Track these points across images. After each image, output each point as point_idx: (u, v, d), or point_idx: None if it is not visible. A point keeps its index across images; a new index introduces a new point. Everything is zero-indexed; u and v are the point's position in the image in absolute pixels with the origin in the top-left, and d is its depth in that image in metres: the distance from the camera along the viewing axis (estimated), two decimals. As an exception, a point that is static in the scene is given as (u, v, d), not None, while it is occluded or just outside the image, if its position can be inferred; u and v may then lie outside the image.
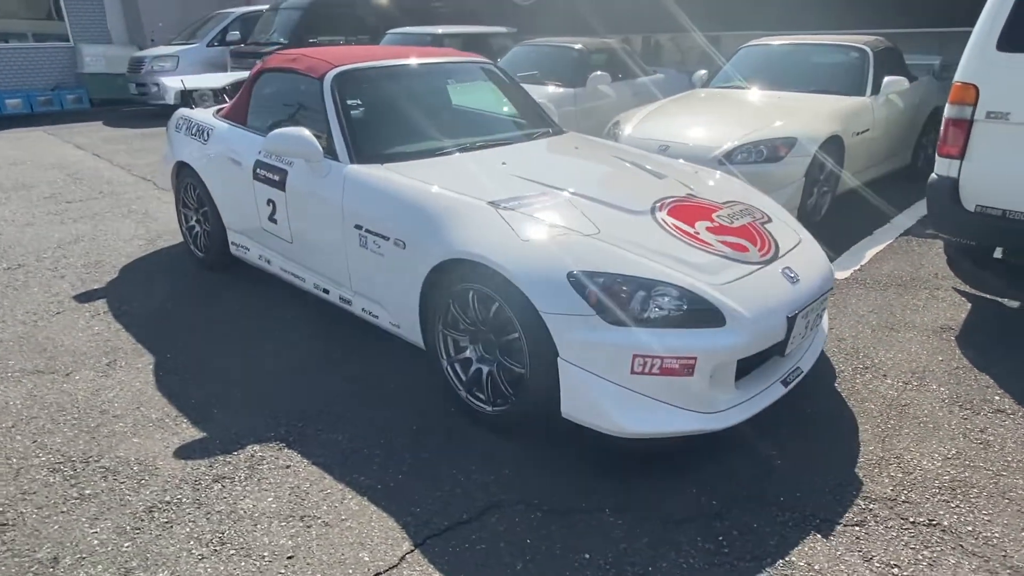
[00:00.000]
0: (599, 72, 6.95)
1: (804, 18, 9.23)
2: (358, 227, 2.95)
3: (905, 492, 2.29)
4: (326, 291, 3.35)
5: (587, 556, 2.02)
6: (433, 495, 2.27)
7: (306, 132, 3.12)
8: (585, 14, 11.50)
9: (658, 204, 2.82)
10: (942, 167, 3.49)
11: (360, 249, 2.98)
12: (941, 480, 2.35)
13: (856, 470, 2.40)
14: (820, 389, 2.92)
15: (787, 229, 2.92)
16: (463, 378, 2.69)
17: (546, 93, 6.56)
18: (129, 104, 12.07)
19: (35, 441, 2.57)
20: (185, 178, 4.21)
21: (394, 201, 2.82)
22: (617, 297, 2.25)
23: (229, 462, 2.44)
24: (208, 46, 11.42)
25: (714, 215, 2.84)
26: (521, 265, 2.33)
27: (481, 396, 2.62)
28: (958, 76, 3.37)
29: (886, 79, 5.54)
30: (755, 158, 4.66)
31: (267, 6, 11.98)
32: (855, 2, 8.90)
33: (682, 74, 9.00)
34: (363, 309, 3.15)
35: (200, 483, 2.32)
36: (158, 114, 11.36)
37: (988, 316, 3.60)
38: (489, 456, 2.46)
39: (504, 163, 3.15)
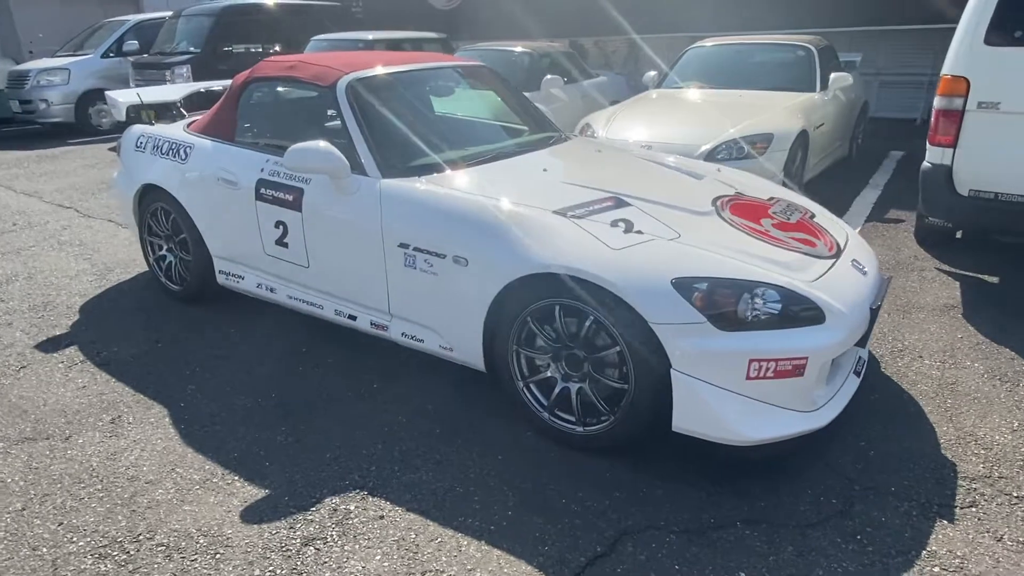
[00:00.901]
0: (551, 76, 6.92)
1: (726, 20, 9.66)
2: (403, 246, 2.72)
3: (996, 468, 2.38)
4: (352, 317, 3.07)
5: (742, 574, 1.93)
6: (555, 529, 2.10)
7: (330, 146, 2.84)
8: (507, 18, 11.50)
9: (718, 203, 2.79)
10: (935, 156, 3.71)
11: (406, 270, 2.75)
12: (1020, 452, 2.46)
13: (943, 452, 2.47)
14: (871, 375, 3.00)
15: (833, 223, 2.98)
16: (543, 399, 2.53)
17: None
18: (8, 123, 10.79)
19: (61, 523, 2.16)
20: (153, 203, 3.75)
21: (449, 216, 2.61)
22: (724, 301, 2.19)
23: (312, 520, 2.15)
24: (103, 57, 10.40)
25: (770, 212, 2.85)
26: (623, 276, 2.21)
27: (568, 417, 2.48)
28: (947, 70, 3.60)
29: (832, 75, 5.87)
30: (736, 155, 4.78)
31: (165, 13, 11.11)
32: (773, 4, 9.39)
33: (620, 76, 9.17)
34: (403, 334, 2.91)
35: (289, 549, 2.03)
36: (48, 133, 10.25)
37: (979, 292, 3.85)
38: (593, 480, 2.33)
39: (545, 170, 3.02)
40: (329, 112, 3.06)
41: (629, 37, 10.80)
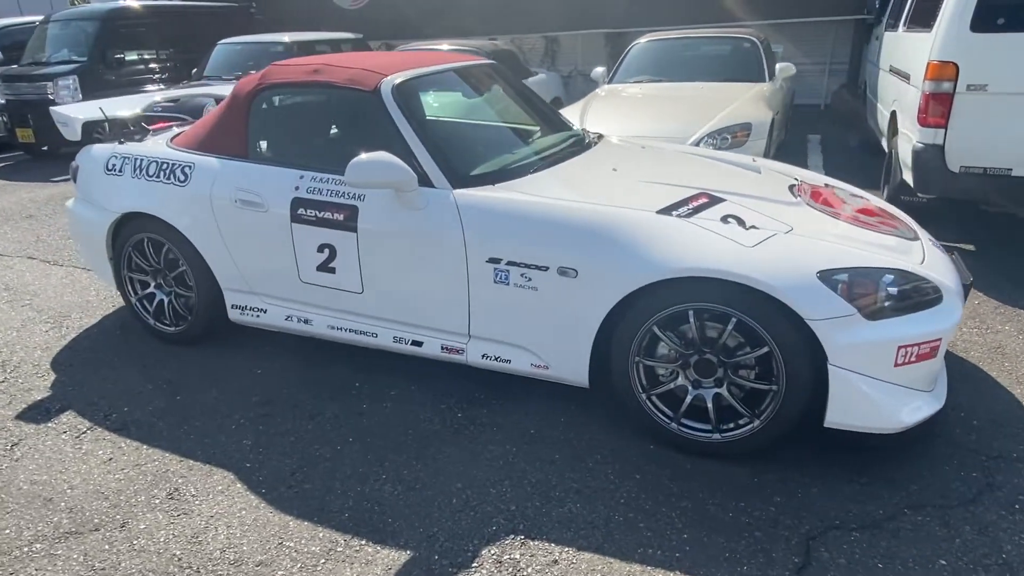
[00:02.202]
0: None
1: (641, 16, 9.92)
2: (494, 261, 2.49)
3: (1084, 422, 2.55)
4: (417, 343, 2.79)
5: (943, 562, 1.92)
6: (740, 547, 1.99)
7: (394, 157, 2.55)
8: (418, 18, 11.19)
9: (799, 193, 2.79)
10: (926, 136, 3.96)
11: (496, 287, 2.52)
12: (1094, 405, 2.66)
13: (1033, 412, 2.62)
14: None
15: (886, 205, 3.08)
16: (668, 410, 2.41)
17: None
18: None
19: (177, 632, 1.77)
20: (136, 234, 3.22)
21: (551, 226, 2.42)
22: (864, 291, 2.17)
23: (477, 573, 1.91)
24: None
25: (840, 197, 2.89)
26: (772, 274, 2.14)
27: (700, 425, 2.38)
28: (936, 56, 3.84)
29: (778, 65, 6.16)
30: (720, 145, 4.88)
31: (33, 19, 9.79)
32: (686, 1, 9.74)
33: (552, 73, 9.17)
34: (484, 356, 2.68)
35: (475, 615, 1.79)
36: None
37: (967, 260, 4.16)
38: (744, 488, 2.24)
39: (614, 169, 2.89)
40: (370, 118, 2.75)
41: (546, 35, 10.85)
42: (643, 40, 6.86)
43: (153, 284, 3.35)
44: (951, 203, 4.29)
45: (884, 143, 5.74)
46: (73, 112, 3.52)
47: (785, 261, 2.18)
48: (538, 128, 3.28)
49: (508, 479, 2.31)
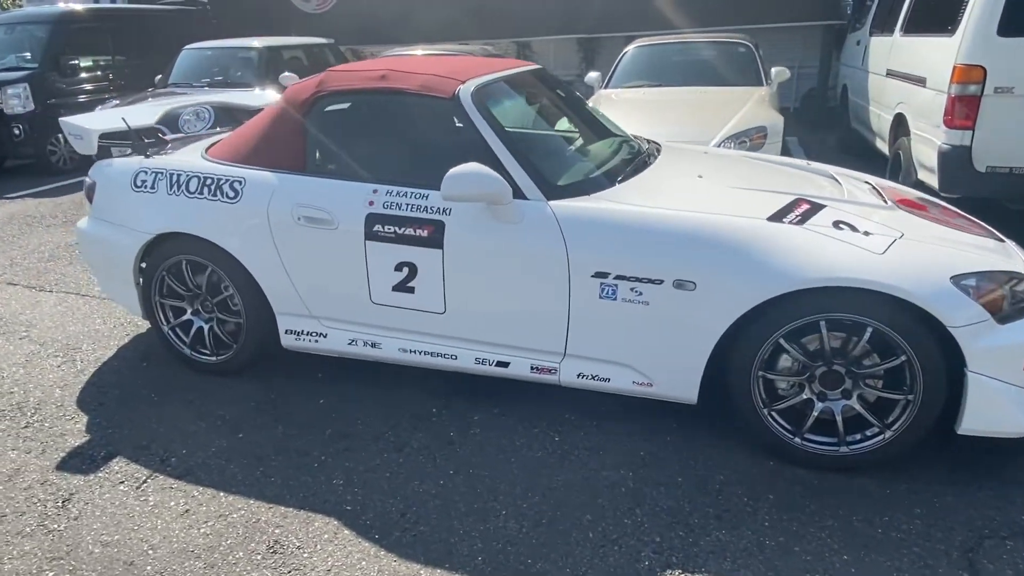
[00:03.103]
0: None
1: (615, 21, 9.95)
2: (600, 275, 2.36)
3: None
4: (503, 364, 2.63)
5: (1110, 568, 1.91)
6: (905, 565, 1.92)
7: (487, 168, 2.39)
8: (386, 23, 10.92)
9: (885, 197, 2.77)
10: (953, 138, 4.06)
11: (602, 302, 2.39)
12: None
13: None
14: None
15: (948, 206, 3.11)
16: (789, 424, 2.33)
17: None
18: None
19: None
20: (171, 257, 2.93)
21: (666, 237, 2.30)
22: (991, 295, 2.15)
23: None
24: None
25: (915, 200, 2.89)
26: (910, 281, 2.08)
27: (824, 439, 2.31)
28: (962, 59, 3.94)
29: (773, 69, 6.25)
30: (740, 148, 4.89)
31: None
32: (664, 5, 9.83)
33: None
34: (579, 375, 2.55)
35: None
36: None
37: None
38: (881, 501, 2.18)
39: (700, 176, 2.80)
40: (449, 127, 2.58)
41: (518, 40, 10.76)
42: (637, 44, 6.85)
43: (190, 310, 3.06)
44: (969, 201, 4.42)
45: (881, 145, 5.91)
46: (88, 123, 3.18)
47: (918, 267, 2.14)
48: (598, 134, 3.16)
49: (638, 507, 2.19)
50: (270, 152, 2.82)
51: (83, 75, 8.12)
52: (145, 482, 2.39)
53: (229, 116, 5.41)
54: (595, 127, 3.17)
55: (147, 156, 3.06)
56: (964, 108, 3.99)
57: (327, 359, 3.11)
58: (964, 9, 4.04)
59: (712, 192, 2.62)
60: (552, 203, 2.46)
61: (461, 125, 2.61)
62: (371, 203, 2.61)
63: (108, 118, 3.31)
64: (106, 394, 2.99)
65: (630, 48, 6.84)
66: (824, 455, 2.32)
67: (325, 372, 3.09)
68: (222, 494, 2.31)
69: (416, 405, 2.81)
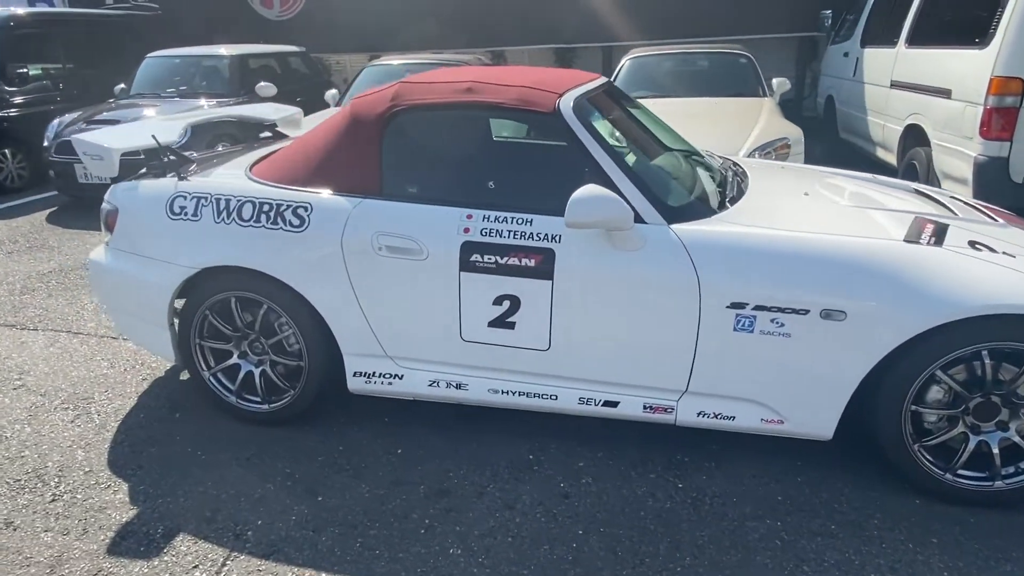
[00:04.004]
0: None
1: (591, 32, 9.87)
2: (737, 305, 2.16)
3: None
4: (611, 404, 2.39)
5: None
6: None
7: (608, 191, 2.15)
8: (355, 30, 10.52)
9: (987, 213, 2.68)
10: (991, 149, 4.07)
11: (736, 334, 2.19)
12: None
13: None
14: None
15: None
16: (938, 460, 2.18)
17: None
18: None
19: None
20: (218, 293, 2.56)
21: (805, 262, 2.11)
22: None
23: None
24: None
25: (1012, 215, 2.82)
26: (1084, 306, 1.97)
27: (974, 473, 2.16)
28: (1000, 71, 3.95)
29: (775, 80, 6.25)
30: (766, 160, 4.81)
31: None
32: (644, 15, 9.79)
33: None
34: (700, 413, 2.34)
35: None
36: None
37: None
38: (1047, 539, 2.05)
39: (806, 194, 2.64)
40: (546, 144, 2.33)
41: (492, 50, 10.53)
42: (634, 55, 6.74)
43: (237, 353, 2.69)
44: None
45: (883, 155, 5.98)
46: (107, 140, 2.74)
47: (1085, 291, 2.04)
48: (679, 149, 2.97)
49: (805, 564, 1.98)
50: (337, 173, 2.49)
51: (33, 84, 7.42)
52: (225, 565, 2.03)
53: (206, 132, 4.97)
54: (672, 141, 2.98)
55: (182, 178, 2.67)
56: (1001, 119, 4.02)
57: (386, 401, 2.80)
58: (997, 22, 4.07)
59: (829, 212, 2.46)
60: (675, 227, 2.24)
61: (564, 142, 2.37)
62: (466, 230, 2.33)
63: (127, 135, 2.89)
64: (142, 454, 2.58)
65: (627, 59, 6.72)
66: (977, 491, 2.17)
67: (391, 416, 2.78)
68: (324, 575, 1.98)
69: (508, 451, 2.54)
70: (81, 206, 6.48)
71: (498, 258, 2.30)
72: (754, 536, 2.10)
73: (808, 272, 2.13)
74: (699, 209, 2.35)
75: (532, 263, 2.27)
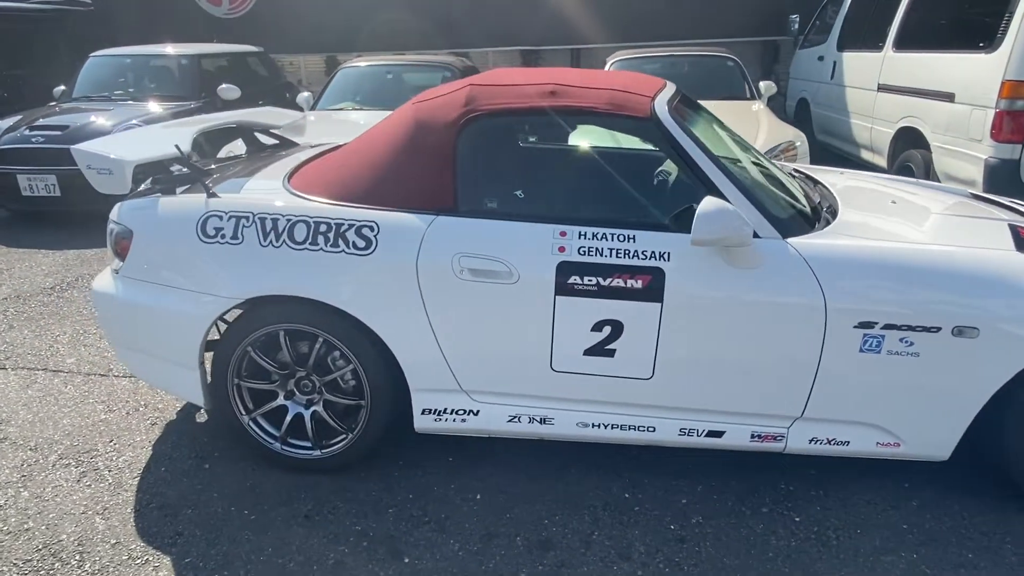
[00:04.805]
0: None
1: (560, 34, 9.73)
2: (866, 325, 2.00)
3: None
4: (716, 434, 2.20)
5: None
6: None
7: (727, 204, 1.96)
8: (310, 31, 10.02)
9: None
10: (1003, 151, 4.13)
11: (862, 356, 2.03)
12: None
13: None
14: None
15: None
16: (1063, 477, 2.10)
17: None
18: None
19: None
20: (264, 326, 2.21)
21: (934, 277, 1.98)
22: None
23: None
24: None
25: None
26: None
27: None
28: (1012, 75, 4.01)
29: (762, 84, 6.25)
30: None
31: None
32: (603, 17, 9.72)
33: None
34: (812, 440, 2.18)
35: None
36: None
37: None
38: None
39: (894, 202, 2.52)
40: (638, 151, 2.12)
41: (456, 51, 10.23)
42: (619, 58, 6.61)
43: (283, 395, 2.35)
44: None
45: (869, 156, 6.07)
46: (115, 151, 2.33)
47: None
48: (755, 156, 2.80)
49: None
50: (403, 187, 2.20)
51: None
52: (318, 654, 1.72)
53: (219, 140, 4.52)
54: (746, 148, 2.82)
55: (211, 194, 2.31)
56: (1012, 122, 4.08)
57: (443, 439, 2.52)
58: (1004, 28, 4.14)
59: (932, 221, 2.35)
60: (792, 241, 2.08)
61: (659, 149, 2.16)
62: (561, 248, 2.08)
63: (137, 144, 2.49)
64: (177, 518, 2.21)
65: (611, 61, 6.59)
66: (1100, 509, 2.11)
67: (454, 455, 2.50)
68: (442, 658, 1.70)
69: (599, 490, 2.30)
70: (27, 220, 5.82)
71: (600, 279, 2.07)
72: (895, 573, 1.95)
73: (939, 287, 2.00)
74: (804, 222, 2.19)
75: (639, 284, 2.06)
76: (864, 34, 6.26)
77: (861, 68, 6.22)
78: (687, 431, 2.23)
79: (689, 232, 2.06)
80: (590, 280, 2.07)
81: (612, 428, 2.26)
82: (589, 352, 2.15)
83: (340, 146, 2.89)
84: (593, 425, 2.26)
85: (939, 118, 4.82)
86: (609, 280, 2.07)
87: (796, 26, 8.30)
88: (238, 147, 3.16)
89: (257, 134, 3.21)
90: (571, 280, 2.08)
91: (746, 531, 2.12)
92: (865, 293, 2.01)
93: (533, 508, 2.23)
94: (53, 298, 4.13)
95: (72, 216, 5.76)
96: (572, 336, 2.13)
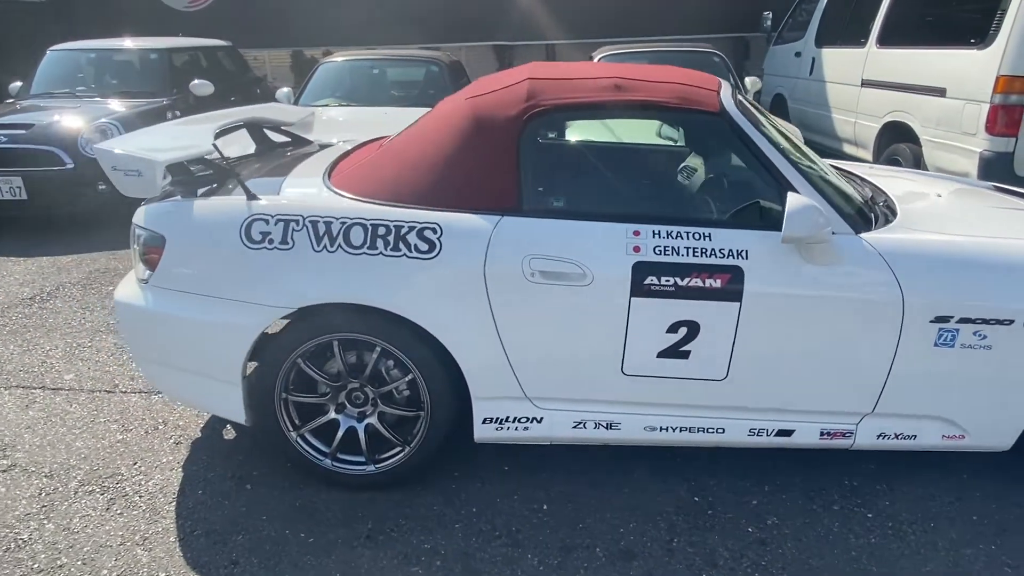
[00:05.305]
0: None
1: (534, 30, 9.66)
2: (941, 320, 2.00)
3: None
4: (785, 433, 2.17)
5: None
6: None
7: (807, 198, 1.92)
8: (277, 24, 9.68)
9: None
10: (998, 145, 4.26)
11: (936, 350, 2.03)
12: None
13: None
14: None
15: None
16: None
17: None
18: None
19: None
20: (316, 337, 2.07)
21: (1008, 270, 1.99)
22: None
23: None
24: None
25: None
26: None
27: None
28: (1005, 71, 4.13)
29: (747, 79, 6.32)
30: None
31: None
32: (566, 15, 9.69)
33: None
34: (880, 435, 2.17)
35: None
36: None
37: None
38: None
39: (939, 195, 2.54)
40: (715, 148, 2.07)
41: (427, 47, 10.05)
42: (605, 53, 6.58)
43: (333, 408, 2.21)
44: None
45: (852, 150, 6.20)
46: (144, 150, 2.14)
47: None
48: (802, 151, 2.78)
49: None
50: (463, 186, 2.08)
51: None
52: None
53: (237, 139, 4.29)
54: (794, 143, 2.81)
55: (252, 196, 2.15)
56: (1007, 116, 4.21)
57: (494, 446, 2.43)
58: (998, 25, 4.26)
59: (987, 214, 2.38)
60: (866, 237, 2.06)
61: (731, 145, 2.12)
62: (636, 248, 2.01)
63: (163, 143, 2.30)
64: (227, 544, 2.05)
65: (597, 57, 6.56)
66: None
67: (508, 463, 2.41)
68: None
69: (667, 495, 2.25)
70: (-15, 226, 5.43)
71: (678, 279, 2.00)
72: (978, 565, 1.96)
73: (1010, 280, 2.01)
74: (870, 217, 2.18)
75: (718, 284, 2.00)
76: (845, 30, 6.40)
77: (843, 64, 6.35)
78: (757, 431, 2.20)
79: (763, 229, 2.03)
80: (667, 280, 2.01)
81: (680, 431, 2.20)
82: (663, 355, 2.08)
83: (371, 142, 2.75)
84: (661, 428, 2.20)
85: (930, 113, 4.95)
86: (687, 280, 2.01)
87: (769, 23, 8.44)
88: (240, 145, 2.99)
89: (267, 131, 3.05)
90: (647, 281, 2.01)
91: (823, 530, 2.10)
92: (941, 287, 2.01)
93: (604, 516, 2.16)
94: (35, 309, 3.85)
95: (40, 220, 5.40)
96: (646, 338, 2.07)
